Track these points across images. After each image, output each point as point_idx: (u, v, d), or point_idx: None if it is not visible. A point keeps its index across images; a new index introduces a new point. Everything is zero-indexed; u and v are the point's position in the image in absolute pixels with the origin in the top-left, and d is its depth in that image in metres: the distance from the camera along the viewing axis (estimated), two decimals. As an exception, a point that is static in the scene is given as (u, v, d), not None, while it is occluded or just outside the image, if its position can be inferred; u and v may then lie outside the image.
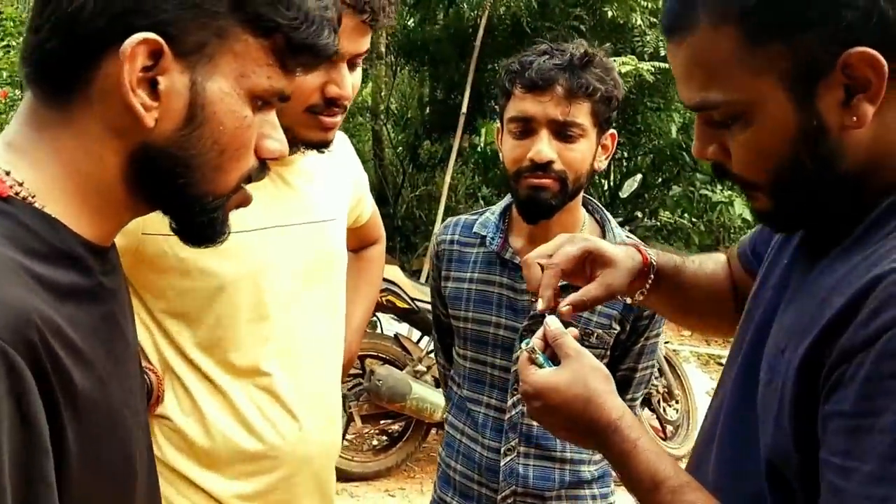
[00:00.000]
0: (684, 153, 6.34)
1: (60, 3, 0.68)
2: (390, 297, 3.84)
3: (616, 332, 1.55)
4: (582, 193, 1.57)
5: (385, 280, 3.87)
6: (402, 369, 3.80)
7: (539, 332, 1.00)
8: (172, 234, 1.12)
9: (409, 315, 3.90)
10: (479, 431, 1.57)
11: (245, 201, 0.82)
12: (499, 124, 1.57)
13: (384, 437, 4.13)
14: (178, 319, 1.29)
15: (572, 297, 1.08)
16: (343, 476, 3.77)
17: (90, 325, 0.71)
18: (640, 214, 4.48)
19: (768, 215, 0.87)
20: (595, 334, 1.54)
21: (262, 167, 0.80)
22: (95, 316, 0.73)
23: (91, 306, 0.72)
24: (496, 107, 7.72)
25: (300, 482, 1.40)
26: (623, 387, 1.64)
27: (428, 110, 8.55)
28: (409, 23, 8.32)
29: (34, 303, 0.63)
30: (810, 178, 0.79)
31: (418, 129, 8.45)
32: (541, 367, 0.96)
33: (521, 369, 0.97)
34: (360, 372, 3.91)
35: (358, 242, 1.85)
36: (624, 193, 4.15)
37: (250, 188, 0.85)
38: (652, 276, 1.15)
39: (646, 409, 4.18)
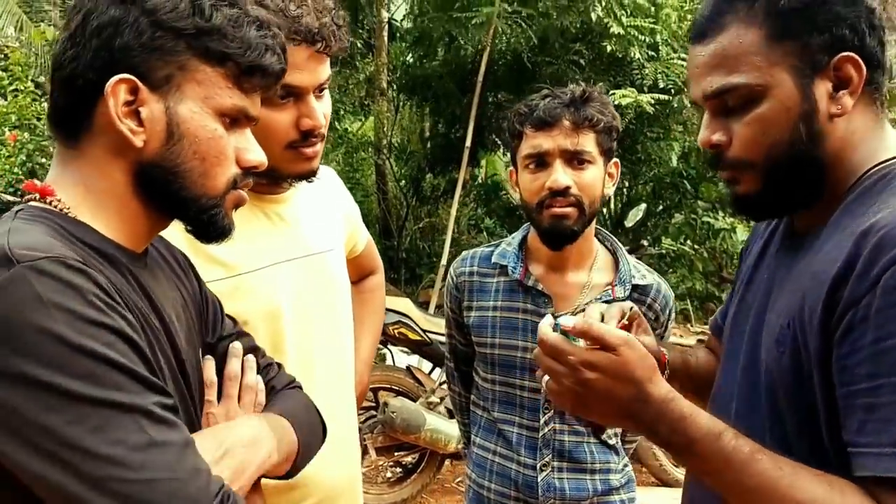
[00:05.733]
0: (685, 181, 6.42)
1: (63, 68, 0.89)
2: (402, 329, 3.89)
3: None
4: (594, 224, 1.65)
5: (397, 312, 3.93)
6: (414, 401, 3.84)
7: (571, 320, 0.98)
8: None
9: (420, 347, 3.94)
10: (514, 450, 1.66)
11: (241, 201, 0.99)
12: (511, 167, 1.69)
13: (398, 469, 4.15)
14: None
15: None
16: (359, 509, 3.80)
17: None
18: (645, 243, 4.54)
19: (752, 199, 1.03)
20: None
21: (246, 175, 0.98)
22: (130, 297, 0.89)
23: (123, 293, 0.88)
24: (497, 140, 7.87)
25: None
26: None
27: (429, 144, 8.67)
28: (408, 59, 8.49)
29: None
30: (800, 152, 0.97)
31: (420, 162, 8.55)
32: None
33: (557, 343, 0.96)
34: (374, 404, 3.95)
35: (357, 274, 1.91)
36: (629, 223, 4.20)
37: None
38: (667, 371, 1.21)
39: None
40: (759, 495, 0.89)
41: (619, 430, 1.72)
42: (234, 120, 0.95)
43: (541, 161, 1.58)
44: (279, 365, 1.21)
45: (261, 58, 0.93)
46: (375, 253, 1.94)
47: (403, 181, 9.03)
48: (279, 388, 1.14)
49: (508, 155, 7.01)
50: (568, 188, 1.55)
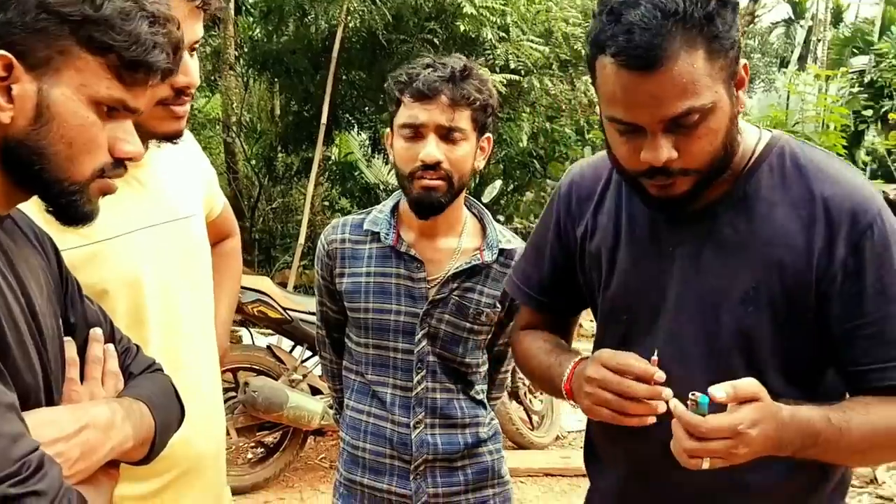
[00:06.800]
0: (535, 161, 6.69)
1: None
2: (262, 308, 3.81)
3: (499, 310, 1.73)
4: (464, 193, 1.72)
5: (256, 291, 3.85)
6: (276, 380, 3.79)
7: (721, 391, 1.03)
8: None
9: (281, 325, 3.89)
10: (388, 410, 1.70)
11: (108, 189, 0.99)
12: (390, 133, 1.71)
13: (260, 449, 4.09)
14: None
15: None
16: (220, 492, 3.71)
17: None
18: (501, 219, 4.72)
19: (680, 198, 1.13)
20: (484, 314, 1.71)
21: (118, 165, 0.98)
22: None
23: None
24: (352, 118, 7.82)
25: (191, 481, 1.43)
26: (500, 361, 1.86)
27: (281, 122, 8.47)
28: (257, 33, 8.23)
29: None
30: (730, 150, 1.12)
31: (273, 140, 8.34)
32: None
33: (724, 424, 1.02)
34: (234, 385, 3.86)
35: (213, 237, 1.86)
36: (485, 199, 4.33)
37: (109, 196, 0.99)
38: None
39: (514, 401, 4.39)
40: (868, 442, 1.11)
41: (485, 386, 1.80)
42: (112, 109, 0.94)
43: (416, 132, 1.61)
44: (137, 347, 1.20)
45: (147, 54, 0.92)
46: (232, 216, 1.91)
47: (255, 160, 8.78)
48: (137, 373, 1.13)
49: (364, 134, 6.93)
50: (439, 163, 1.60)
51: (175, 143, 1.40)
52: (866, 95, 11.87)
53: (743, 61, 1.10)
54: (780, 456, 1.09)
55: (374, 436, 1.71)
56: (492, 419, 1.81)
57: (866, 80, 12.46)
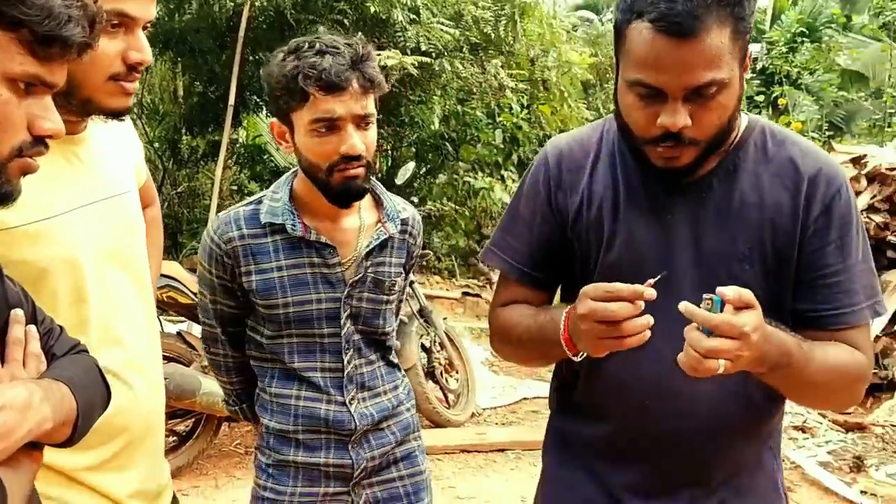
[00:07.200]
0: (447, 143, 6.74)
1: None
2: (172, 294, 3.72)
3: (403, 275, 1.78)
4: None
5: (165, 276, 3.75)
6: (188, 366, 3.71)
7: (729, 291, 1.10)
8: None
9: (192, 310, 3.80)
10: (323, 392, 1.70)
11: (29, 168, 0.96)
12: (281, 125, 1.64)
13: (172, 438, 3.99)
14: None
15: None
16: (130, 483, 3.60)
17: None
18: (415, 200, 4.74)
19: (685, 168, 1.24)
20: (396, 283, 1.74)
21: (38, 143, 0.95)
22: None
23: None
24: (259, 100, 7.65)
25: (134, 451, 1.44)
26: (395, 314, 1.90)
27: (185, 104, 8.21)
28: (158, 11, 7.92)
29: None
30: (731, 126, 1.23)
31: (177, 123, 8.08)
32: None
33: (734, 320, 1.07)
34: (143, 373, 3.75)
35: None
36: (399, 180, 4.34)
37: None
38: None
39: (430, 381, 4.43)
40: (822, 374, 1.22)
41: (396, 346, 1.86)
42: (29, 85, 0.92)
43: (332, 125, 1.56)
44: (61, 328, 1.17)
45: (60, 28, 0.90)
46: (153, 184, 1.89)
47: (157, 143, 8.49)
48: (60, 355, 1.11)
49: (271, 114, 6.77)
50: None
51: (122, 120, 1.38)
52: (759, 82, 12.49)
53: (749, 49, 1.19)
54: (760, 402, 1.28)
55: (307, 417, 1.70)
56: (403, 376, 1.87)
57: (758, 67, 13.08)
